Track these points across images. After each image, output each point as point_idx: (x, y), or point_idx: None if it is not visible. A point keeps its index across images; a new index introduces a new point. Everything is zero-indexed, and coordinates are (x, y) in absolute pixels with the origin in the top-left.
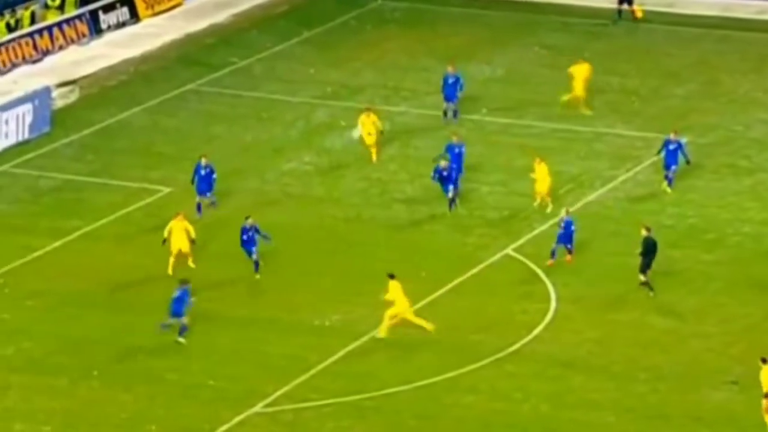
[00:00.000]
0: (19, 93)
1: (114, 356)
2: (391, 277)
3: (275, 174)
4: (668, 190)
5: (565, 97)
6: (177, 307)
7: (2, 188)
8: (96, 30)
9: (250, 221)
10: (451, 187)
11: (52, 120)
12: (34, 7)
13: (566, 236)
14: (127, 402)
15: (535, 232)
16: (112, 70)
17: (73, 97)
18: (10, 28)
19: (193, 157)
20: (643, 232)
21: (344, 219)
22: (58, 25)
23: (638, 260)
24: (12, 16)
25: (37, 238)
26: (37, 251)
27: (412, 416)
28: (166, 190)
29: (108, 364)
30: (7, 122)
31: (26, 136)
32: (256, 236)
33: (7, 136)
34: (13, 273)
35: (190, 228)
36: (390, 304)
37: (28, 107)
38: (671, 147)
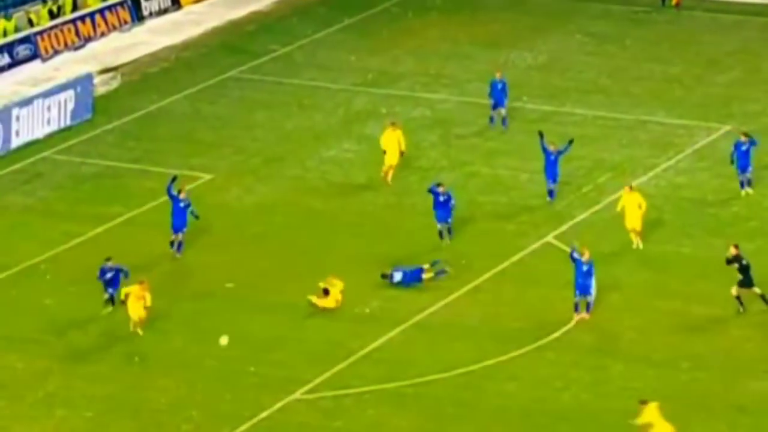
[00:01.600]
0: (61, 80)
1: (154, 342)
2: None
3: (316, 161)
4: (750, 191)
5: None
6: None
7: (44, 174)
8: (138, 17)
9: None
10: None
11: (94, 107)
12: None
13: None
14: (167, 388)
15: (576, 219)
16: (153, 57)
17: (115, 84)
18: (52, 15)
19: (234, 144)
20: (732, 251)
21: (384, 206)
22: (100, 11)
23: (684, 250)
24: (54, 3)
25: (78, 224)
26: (78, 237)
27: (452, 404)
28: (207, 176)
29: (148, 351)
30: (49, 109)
31: (68, 122)
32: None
33: (49, 122)
34: (55, 259)
35: (148, 297)
36: None
37: (70, 94)
38: (743, 148)
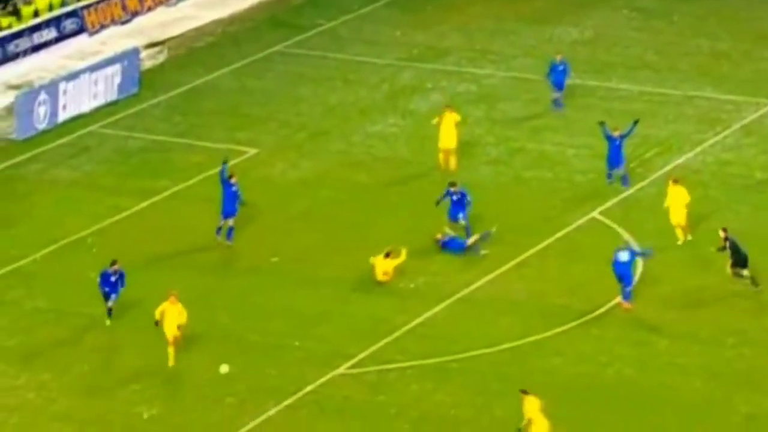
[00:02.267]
0: (108, 54)
1: (198, 316)
2: None
3: (360, 135)
4: None
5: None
6: (112, 290)
7: (91, 148)
8: None
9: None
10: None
11: (141, 81)
12: None
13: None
14: (212, 361)
15: (622, 195)
16: (199, 31)
17: (161, 58)
18: None
19: (279, 118)
20: (721, 234)
21: (429, 181)
22: None
23: (730, 225)
24: None
25: (124, 197)
26: (125, 211)
27: (496, 379)
28: (253, 151)
29: (193, 324)
30: (96, 83)
31: (115, 96)
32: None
33: (96, 96)
34: (102, 232)
35: (183, 312)
36: None
37: (116, 68)
38: None
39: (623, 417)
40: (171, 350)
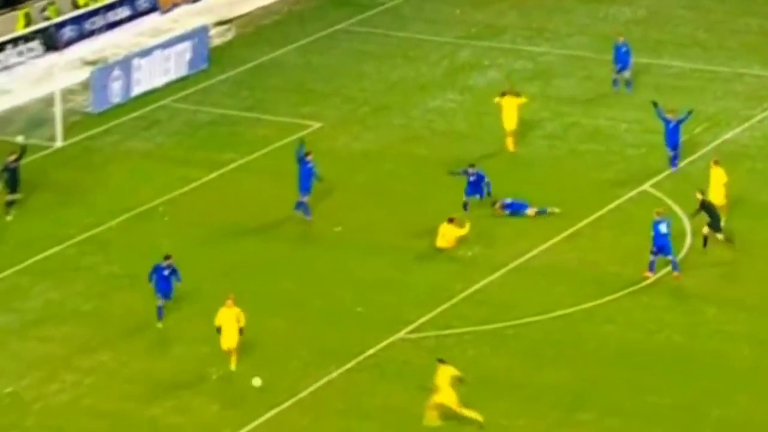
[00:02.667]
0: (179, 31)
1: (264, 283)
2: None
3: (420, 110)
4: None
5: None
6: (164, 287)
7: (162, 122)
8: None
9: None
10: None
11: (210, 57)
12: None
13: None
14: (277, 327)
15: (672, 169)
16: (266, 9)
17: (230, 36)
18: None
19: (343, 93)
20: (698, 196)
21: (486, 155)
22: None
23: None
24: None
25: (194, 169)
26: (194, 182)
27: (550, 345)
28: (317, 125)
29: (259, 291)
30: (167, 59)
31: (185, 72)
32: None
33: (167, 72)
34: (173, 202)
35: (242, 317)
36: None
37: (187, 45)
38: None
39: (672, 382)
40: (233, 357)
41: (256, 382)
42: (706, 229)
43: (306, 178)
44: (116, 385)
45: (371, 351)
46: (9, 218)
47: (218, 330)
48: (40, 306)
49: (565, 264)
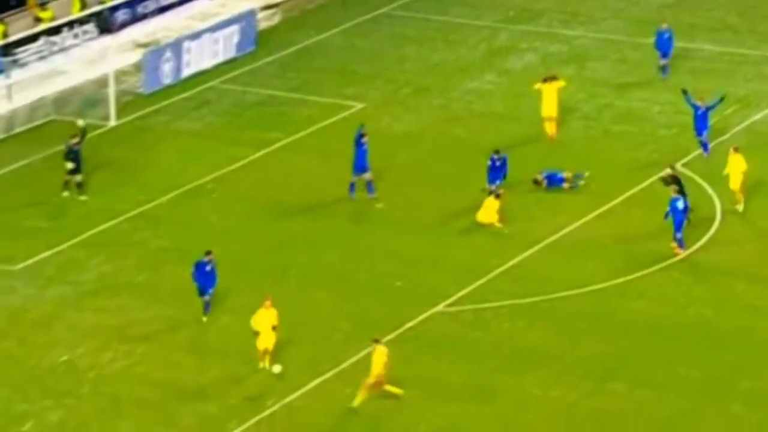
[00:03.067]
0: (227, 15)
1: (309, 257)
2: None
3: (459, 92)
4: None
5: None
6: (206, 282)
7: (211, 102)
8: None
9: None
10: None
11: (257, 40)
12: None
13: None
14: (321, 300)
15: (706, 154)
16: None
17: (276, 19)
18: None
19: (385, 75)
20: (668, 170)
21: (523, 135)
22: None
23: None
24: None
25: (241, 147)
26: (241, 160)
27: (583, 318)
28: (360, 105)
29: (304, 265)
30: (216, 42)
31: (233, 54)
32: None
33: (216, 54)
34: (221, 179)
35: (274, 315)
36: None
37: (235, 28)
38: None
39: (701, 355)
40: (267, 357)
41: (277, 368)
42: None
43: (360, 158)
44: (166, 354)
45: (411, 324)
46: (84, 198)
47: (257, 333)
48: (94, 278)
49: (599, 240)
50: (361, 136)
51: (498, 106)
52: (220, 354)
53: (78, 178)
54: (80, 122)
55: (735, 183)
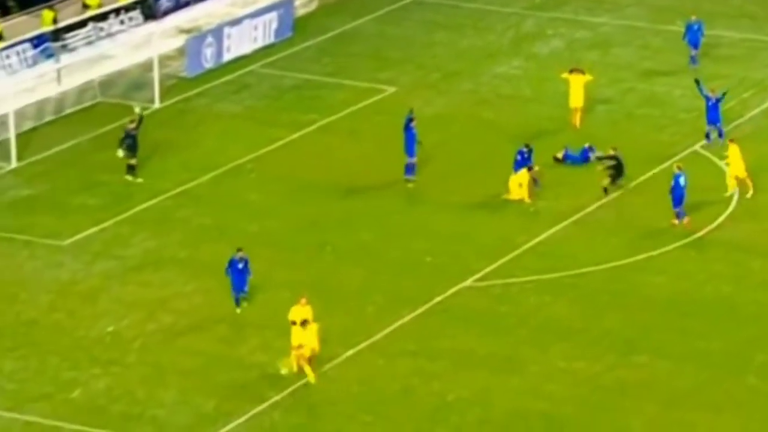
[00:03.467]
0: (266, 2)
1: (344, 234)
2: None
3: (488, 77)
4: None
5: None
6: (240, 279)
7: (251, 86)
8: None
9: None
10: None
11: (295, 26)
12: None
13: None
14: (355, 275)
15: (721, 140)
16: None
17: (313, 6)
18: None
19: (416, 61)
20: (611, 151)
21: (548, 117)
22: None
23: None
24: None
25: (279, 129)
26: (279, 141)
27: (605, 293)
28: (392, 89)
29: (339, 241)
30: (255, 28)
31: (272, 40)
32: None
33: (255, 40)
34: (259, 159)
35: (311, 314)
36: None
37: (273, 15)
38: None
39: (720, 329)
40: (308, 369)
41: (284, 371)
42: (606, 182)
43: (410, 142)
44: (208, 326)
45: (440, 298)
46: (140, 180)
47: (293, 323)
48: (139, 253)
49: (621, 218)
50: (410, 120)
51: (525, 90)
52: (258, 326)
53: (133, 161)
54: (137, 108)
55: (740, 172)
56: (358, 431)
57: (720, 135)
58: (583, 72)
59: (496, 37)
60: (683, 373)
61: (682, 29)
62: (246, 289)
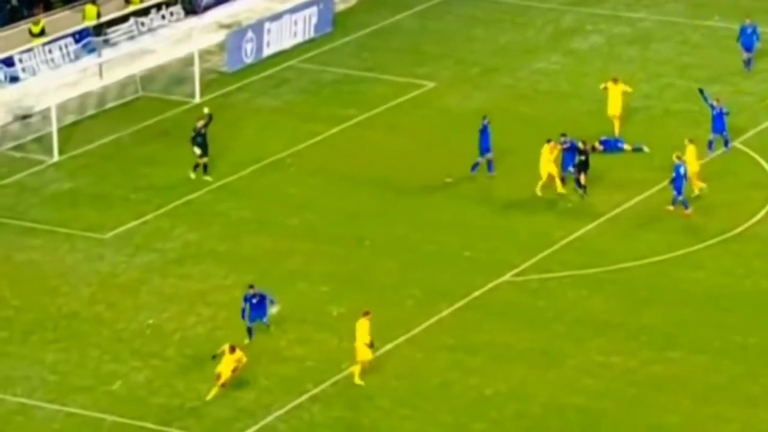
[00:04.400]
0: None
1: (382, 228)
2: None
3: (526, 72)
4: None
5: None
6: (255, 314)
7: (290, 80)
8: None
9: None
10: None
11: (334, 21)
12: None
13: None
14: (392, 269)
15: (760, 127)
16: None
17: (353, 2)
18: None
19: (455, 56)
20: (580, 145)
21: (586, 112)
22: None
23: None
24: None
25: (318, 124)
26: (318, 135)
27: (643, 288)
28: (431, 84)
29: (378, 235)
30: (296, 23)
31: (311, 35)
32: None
33: (295, 35)
34: (299, 154)
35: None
36: None
37: (313, 10)
38: None
39: (757, 324)
40: (357, 369)
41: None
42: (581, 177)
43: (485, 141)
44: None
45: (478, 292)
46: (209, 178)
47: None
48: (179, 246)
49: (658, 214)
50: (486, 124)
51: (563, 85)
52: (296, 320)
53: (205, 159)
54: (206, 109)
55: (693, 170)
56: (396, 425)
57: (726, 144)
58: (621, 81)
59: (535, 32)
60: (720, 367)
61: (718, 23)
62: (266, 320)
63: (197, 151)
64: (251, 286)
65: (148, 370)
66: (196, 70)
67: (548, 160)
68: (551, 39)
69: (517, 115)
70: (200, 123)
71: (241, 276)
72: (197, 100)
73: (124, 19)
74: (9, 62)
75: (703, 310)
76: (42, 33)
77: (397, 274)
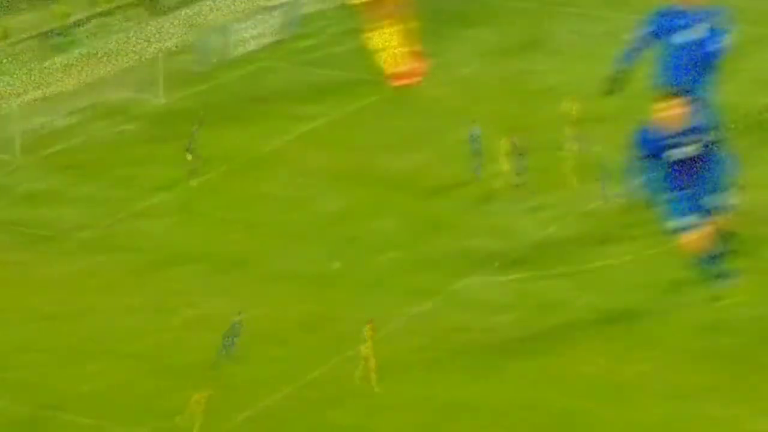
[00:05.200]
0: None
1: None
2: None
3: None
4: None
5: None
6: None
7: (265, 78)
8: None
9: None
10: None
11: (306, 21)
12: None
13: None
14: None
15: None
16: None
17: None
18: None
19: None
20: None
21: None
22: None
23: None
24: None
25: (290, 122)
26: (292, 134)
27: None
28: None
29: (366, 233)
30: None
31: (281, 35)
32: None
33: (264, 35)
34: (278, 152)
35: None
36: None
37: (281, 11)
38: None
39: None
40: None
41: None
42: None
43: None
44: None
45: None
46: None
47: None
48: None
49: None
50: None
51: None
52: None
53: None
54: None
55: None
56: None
57: None
58: None
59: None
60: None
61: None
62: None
63: (189, 156)
64: (239, 313)
65: (125, 372)
66: (161, 70)
67: None
68: None
69: (516, 110)
70: (194, 128)
71: (223, 277)
72: (162, 100)
73: (89, 19)
74: None
75: None
76: None
77: (385, 273)
